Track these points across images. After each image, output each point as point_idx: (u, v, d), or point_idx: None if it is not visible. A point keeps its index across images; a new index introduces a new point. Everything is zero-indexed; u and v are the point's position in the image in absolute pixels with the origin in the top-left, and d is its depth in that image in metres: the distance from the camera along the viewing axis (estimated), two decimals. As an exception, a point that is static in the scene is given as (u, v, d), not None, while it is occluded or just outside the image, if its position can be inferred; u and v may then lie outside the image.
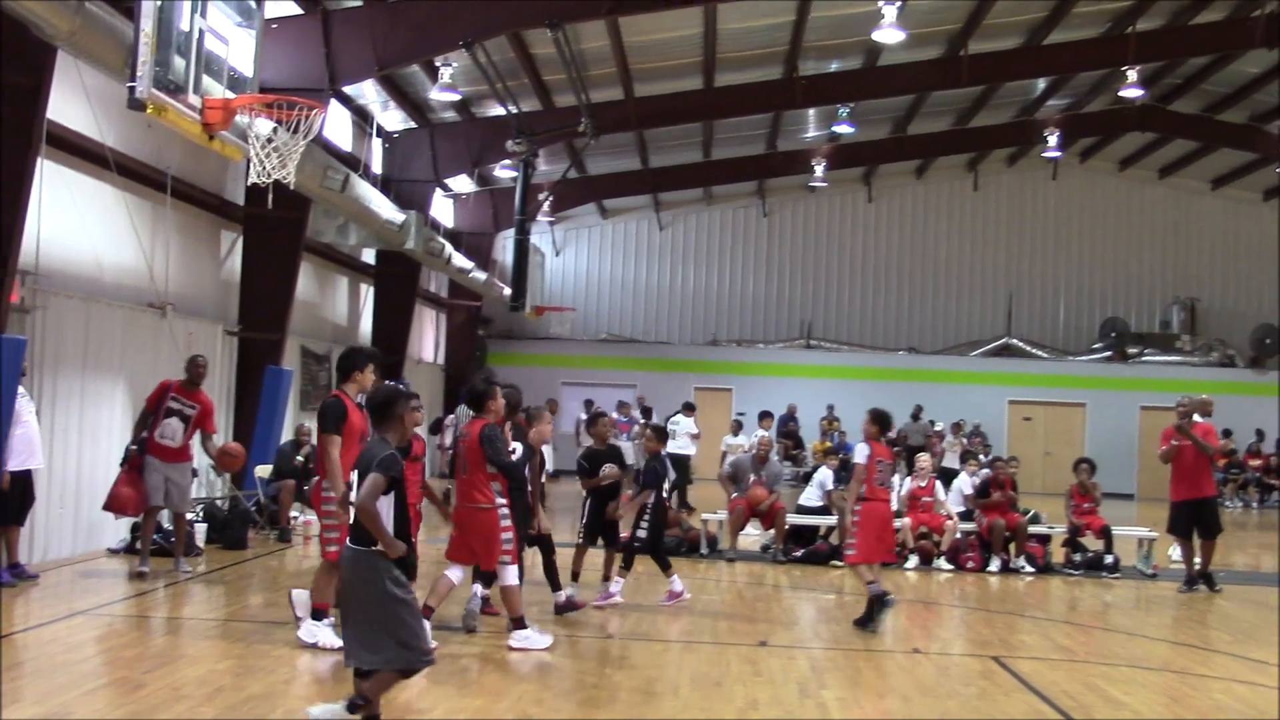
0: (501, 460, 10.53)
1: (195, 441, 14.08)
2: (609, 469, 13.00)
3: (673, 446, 24.20)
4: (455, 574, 10.76)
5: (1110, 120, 34.94)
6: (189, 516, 15.32)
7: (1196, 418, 16.36)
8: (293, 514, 17.96)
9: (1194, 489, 16.05)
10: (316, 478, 10.57)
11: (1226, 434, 28.20)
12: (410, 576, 7.55)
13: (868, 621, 12.16)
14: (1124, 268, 40.12)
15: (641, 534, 13.30)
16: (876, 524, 12.44)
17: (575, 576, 13.07)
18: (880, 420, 12.60)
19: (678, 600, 13.21)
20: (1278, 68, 29.36)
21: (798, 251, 40.10)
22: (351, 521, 7.12)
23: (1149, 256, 40.13)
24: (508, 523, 10.72)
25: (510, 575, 10.68)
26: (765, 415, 26.36)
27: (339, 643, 9.72)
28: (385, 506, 6.96)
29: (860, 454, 12.38)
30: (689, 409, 26.67)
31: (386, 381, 10.30)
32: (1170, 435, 16.20)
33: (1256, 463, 34.38)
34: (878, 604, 12.13)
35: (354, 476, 7.26)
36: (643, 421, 32.44)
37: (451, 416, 30.50)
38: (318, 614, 10.15)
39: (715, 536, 18.08)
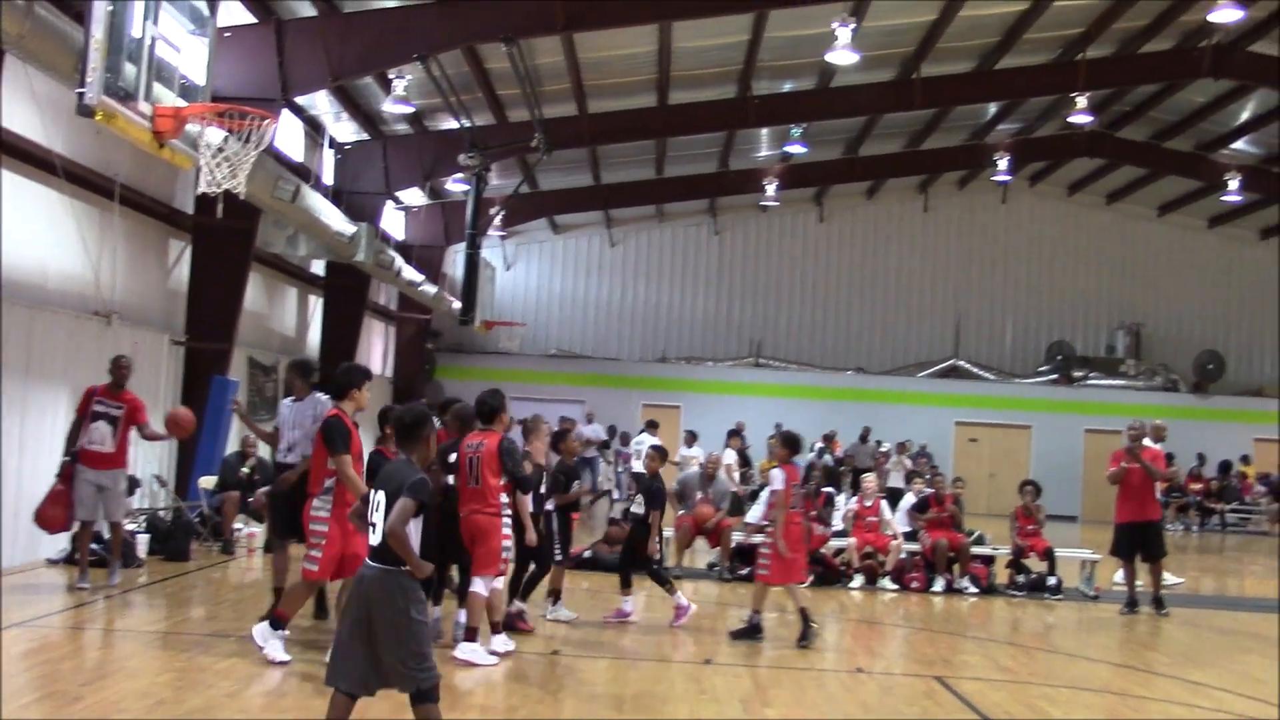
0: (519, 473, 10.93)
1: (144, 450, 13.87)
2: (579, 485, 13.08)
3: (637, 465, 24.26)
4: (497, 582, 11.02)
5: (1059, 145, 35.30)
6: (130, 527, 15.18)
7: (1147, 442, 16.52)
8: (236, 526, 17.81)
9: (1139, 512, 16.23)
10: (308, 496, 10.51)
11: (1169, 458, 28.43)
12: (431, 596, 7.49)
13: (745, 636, 12.45)
14: (1071, 292, 40.48)
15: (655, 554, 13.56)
16: (791, 546, 12.64)
17: (558, 595, 13.15)
18: (791, 443, 12.91)
19: (623, 620, 13.22)
20: (1223, 97, 29.75)
21: (748, 270, 40.21)
22: (378, 541, 7.07)
23: (1095, 281, 40.51)
24: (508, 531, 11.02)
25: (493, 584, 10.89)
26: (734, 434, 26.39)
27: (284, 657, 9.70)
28: (413, 527, 6.99)
29: (777, 479, 12.60)
30: (653, 427, 26.71)
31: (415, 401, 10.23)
32: (1120, 457, 16.34)
33: (1197, 486, 34.75)
34: (758, 632, 12.50)
35: (377, 495, 7.21)
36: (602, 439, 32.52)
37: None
38: (276, 622, 10.10)
39: (661, 554, 18.00)
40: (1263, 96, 29.56)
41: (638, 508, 13.62)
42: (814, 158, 33.31)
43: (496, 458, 10.79)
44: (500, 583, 11.21)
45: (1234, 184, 33.99)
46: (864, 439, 33.27)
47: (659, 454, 14.47)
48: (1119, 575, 17.43)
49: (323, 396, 11.67)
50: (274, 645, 9.97)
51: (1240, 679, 11.82)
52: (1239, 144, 33.11)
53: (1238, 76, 27.79)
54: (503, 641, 11.01)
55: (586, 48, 23.12)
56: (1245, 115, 31.26)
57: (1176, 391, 38.49)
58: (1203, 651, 13.57)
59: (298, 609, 10.20)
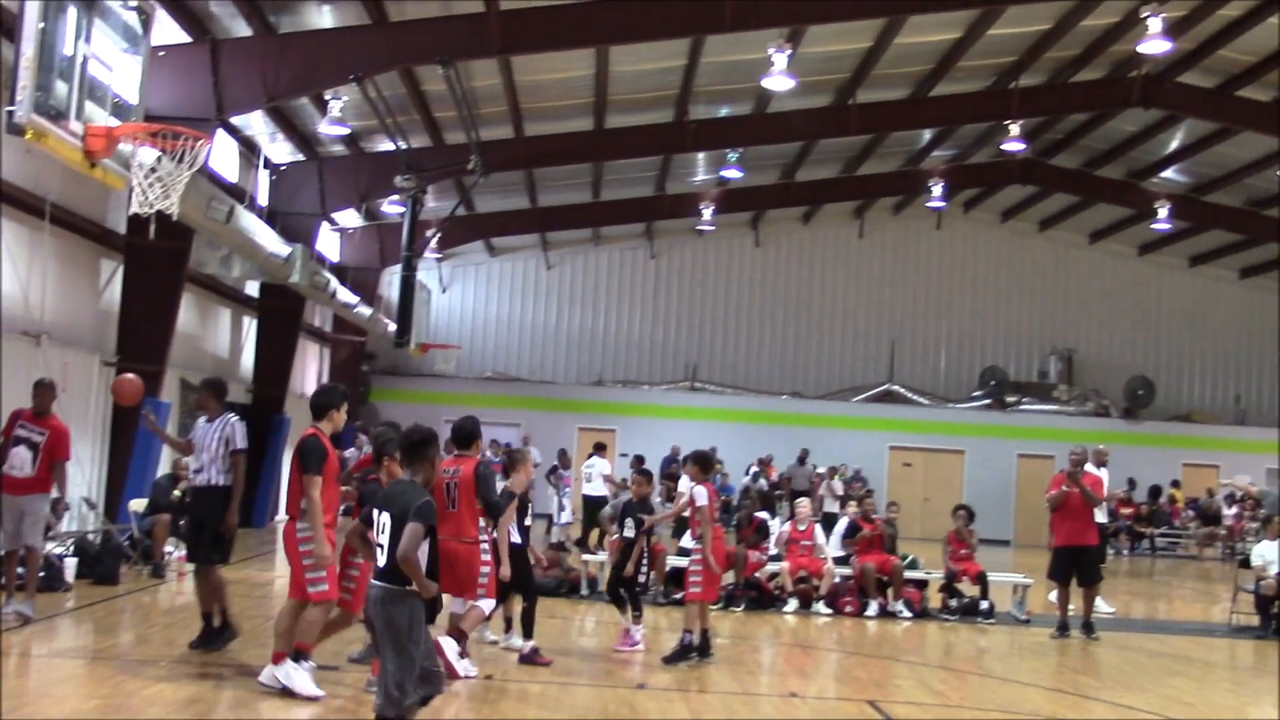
0: (491, 498, 10.84)
1: (73, 471, 13.65)
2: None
3: (587, 489, 24.28)
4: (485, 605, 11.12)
5: (993, 173, 35.70)
6: (58, 550, 14.97)
7: (1089, 467, 16.74)
8: (167, 549, 17.59)
9: (1078, 536, 16.35)
10: (289, 518, 10.36)
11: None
12: (432, 617, 7.53)
13: (678, 659, 12.41)
14: (1004, 317, 40.92)
15: (641, 577, 13.60)
16: (718, 563, 12.89)
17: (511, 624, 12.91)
18: (702, 462, 13.11)
19: (633, 648, 13.21)
20: (1153, 127, 30.21)
21: (684, 294, 40.32)
22: (385, 563, 7.18)
23: (1028, 307, 40.97)
24: (487, 557, 11.04)
25: (484, 606, 11.13)
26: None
27: (318, 692, 9.63)
28: (423, 549, 7.15)
29: (701, 496, 12.74)
30: (600, 449, 26.69)
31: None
32: (1061, 481, 16.44)
33: (1128, 511, 35.08)
34: (691, 651, 12.49)
35: (381, 516, 7.32)
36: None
37: (352, 450, 30.24)
38: (299, 655, 9.93)
39: (596, 578, 18.03)
40: (1191, 126, 30.06)
41: (629, 531, 13.59)
42: (750, 182, 33.49)
43: (473, 483, 10.69)
44: (486, 605, 11.16)
45: (1163, 212, 34.54)
46: (802, 461, 33.40)
47: (645, 477, 14.40)
48: (1052, 596, 17.56)
49: (233, 416, 11.64)
50: (302, 679, 9.78)
51: (1168, 702, 11.95)
52: (1168, 173, 33.67)
53: (1166, 106, 28.24)
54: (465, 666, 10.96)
55: (523, 70, 23.15)
56: (1174, 145, 31.79)
57: (1108, 417, 38.99)
58: (1132, 675, 13.69)
59: (317, 636, 10.12)
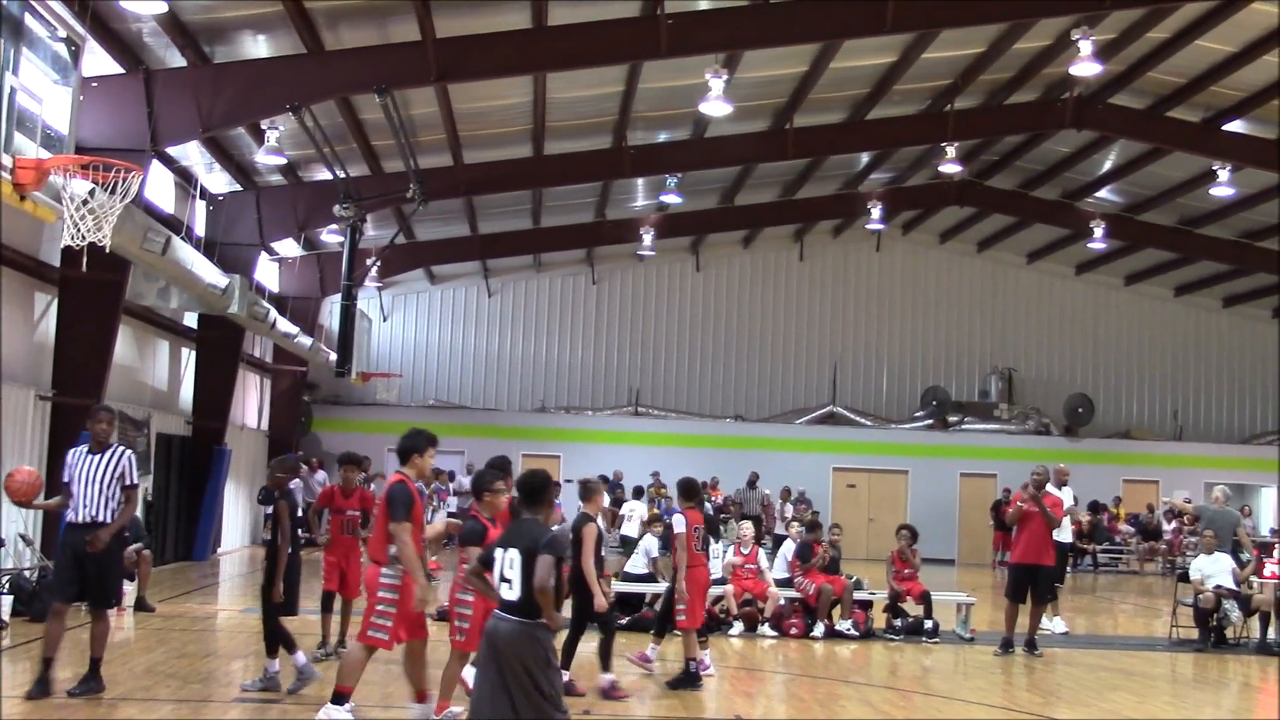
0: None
1: (7, 508, 13.41)
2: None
3: (626, 528, 25.78)
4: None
5: (930, 194, 35.99)
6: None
7: (1050, 487, 16.92)
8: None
9: (1034, 555, 16.51)
10: (373, 563, 10.16)
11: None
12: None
13: (682, 685, 12.57)
14: (944, 338, 41.15)
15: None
16: (701, 589, 13.19)
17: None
18: (686, 490, 13.38)
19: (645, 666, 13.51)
20: (1086, 148, 30.56)
21: (626, 319, 40.33)
22: (516, 597, 7.36)
23: (968, 327, 41.24)
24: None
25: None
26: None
27: None
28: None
29: (679, 524, 12.91)
30: (639, 494, 27.17)
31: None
32: (1020, 499, 16.65)
33: (1072, 528, 35.12)
34: (695, 679, 12.68)
35: (507, 553, 7.56)
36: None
37: (296, 481, 30.01)
38: (339, 697, 9.81)
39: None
40: (1123, 147, 30.43)
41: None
42: (690, 207, 33.60)
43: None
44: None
45: (1099, 231, 34.88)
46: (752, 485, 33.44)
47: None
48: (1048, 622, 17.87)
49: (124, 449, 11.24)
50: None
51: (1109, 716, 12.01)
52: (1102, 193, 34.05)
53: (1099, 128, 28.60)
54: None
55: (461, 98, 23.12)
56: (1108, 165, 32.16)
57: (1048, 434, 39.32)
58: (1075, 690, 13.81)
59: (358, 678, 10.04)
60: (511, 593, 7.39)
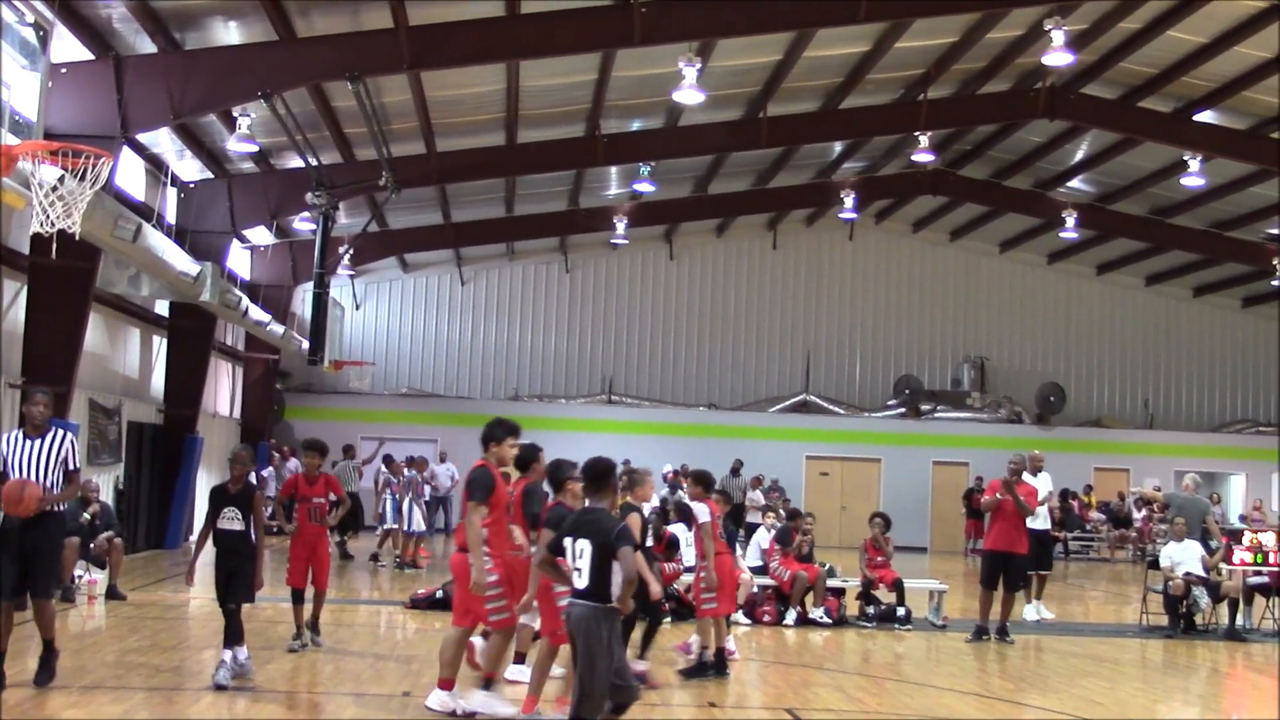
0: (535, 511, 10.96)
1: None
2: None
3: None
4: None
5: (903, 183, 36.07)
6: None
7: (1026, 476, 17.06)
8: (77, 573, 17.30)
9: (1008, 543, 16.58)
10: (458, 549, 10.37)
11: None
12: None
13: (697, 675, 12.72)
14: (917, 326, 41.24)
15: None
16: (728, 577, 13.34)
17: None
18: (702, 480, 13.57)
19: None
20: (1059, 137, 30.66)
21: (599, 307, 40.28)
22: (585, 584, 7.88)
23: (941, 316, 41.33)
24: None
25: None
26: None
27: (512, 710, 10.07)
28: (616, 574, 7.88)
29: (703, 513, 13.12)
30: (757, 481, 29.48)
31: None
32: (997, 487, 16.69)
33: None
34: (709, 669, 12.76)
35: (578, 543, 7.99)
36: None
37: (269, 469, 29.94)
38: (488, 683, 10.29)
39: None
40: (1095, 137, 30.53)
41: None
42: (663, 196, 33.57)
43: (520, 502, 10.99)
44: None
45: (1070, 221, 34.98)
46: (735, 472, 33.39)
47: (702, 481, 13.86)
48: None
49: (65, 431, 11.00)
50: (492, 703, 10.16)
51: (1081, 702, 12.17)
52: (1074, 182, 34.17)
53: (1071, 118, 28.70)
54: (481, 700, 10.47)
55: (434, 86, 23.08)
56: (1080, 155, 32.24)
57: (1020, 423, 39.48)
58: (1046, 677, 13.92)
59: (501, 661, 10.58)
60: (581, 580, 7.86)
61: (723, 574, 13.06)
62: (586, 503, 8.57)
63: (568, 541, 7.96)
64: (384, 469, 25.53)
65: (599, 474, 8.38)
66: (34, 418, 10.81)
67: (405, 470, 24.98)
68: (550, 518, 9.92)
